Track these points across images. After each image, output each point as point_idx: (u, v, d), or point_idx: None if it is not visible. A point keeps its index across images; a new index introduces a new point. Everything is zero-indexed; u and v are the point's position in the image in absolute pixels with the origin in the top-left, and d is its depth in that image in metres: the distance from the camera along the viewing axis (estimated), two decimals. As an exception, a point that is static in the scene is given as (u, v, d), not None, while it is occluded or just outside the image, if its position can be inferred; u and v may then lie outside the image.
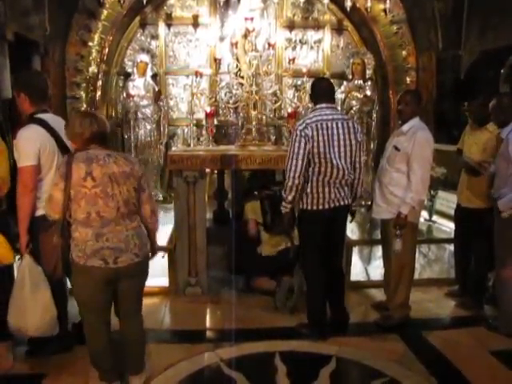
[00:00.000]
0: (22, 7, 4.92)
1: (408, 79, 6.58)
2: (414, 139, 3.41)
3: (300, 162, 3.21)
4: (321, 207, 3.34)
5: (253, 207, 4.43)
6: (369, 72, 6.49)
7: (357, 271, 4.60)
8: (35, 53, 5.63)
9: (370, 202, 3.92)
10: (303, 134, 3.21)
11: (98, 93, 6.40)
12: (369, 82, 6.49)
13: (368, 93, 6.35)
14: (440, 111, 6.33)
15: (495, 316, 3.70)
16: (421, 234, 5.25)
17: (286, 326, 3.65)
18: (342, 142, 3.30)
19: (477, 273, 4.04)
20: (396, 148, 3.51)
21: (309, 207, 3.36)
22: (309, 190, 3.33)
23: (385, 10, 6.30)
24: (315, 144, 3.22)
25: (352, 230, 4.86)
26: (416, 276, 4.47)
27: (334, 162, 3.27)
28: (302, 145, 3.20)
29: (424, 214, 5.56)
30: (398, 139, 3.55)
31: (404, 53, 6.53)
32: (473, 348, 3.40)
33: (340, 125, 3.31)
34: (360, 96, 6.34)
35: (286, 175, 3.29)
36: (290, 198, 3.31)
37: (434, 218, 5.45)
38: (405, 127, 3.52)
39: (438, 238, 4.98)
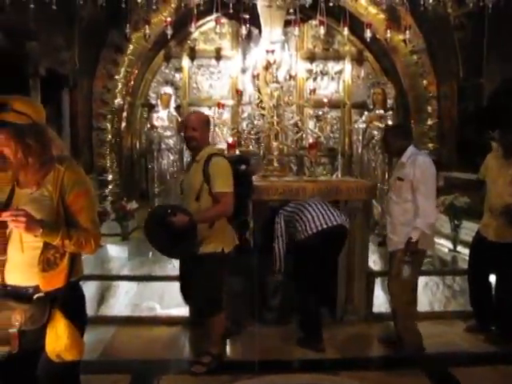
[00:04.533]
0: (56, 44, 5.17)
1: (429, 108, 6.58)
2: (414, 165, 3.44)
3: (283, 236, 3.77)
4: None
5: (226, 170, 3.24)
6: (390, 102, 6.52)
7: (379, 302, 4.51)
8: (64, 86, 5.86)
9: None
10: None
11: (123, 124, 6.59)
12: (390, 112, 6.51)
13: (389, 122, 6.36)
14: (462, 140, 6.29)
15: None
16: (445, 264, 5.16)
17: (306, 359, 3.60)
18: None
19: (506, 308, 3.91)
20: (399, 179, 3.53)
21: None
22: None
23: (404, 41, 6.37)
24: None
25: (374, 261, 4.80)
26: (440, 308, 4.40)
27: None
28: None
29: (448, 245, 5.47)
30: (400, 171, 3.57)
31: (425, 82, 6.56)
32: (502, 387, 3.28)
33: None
34: (381, 125, 6.35)
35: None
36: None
37: (459, 248, 5.34)
38: (403, 158, 3.55)
39: (463, 269, 4.85)
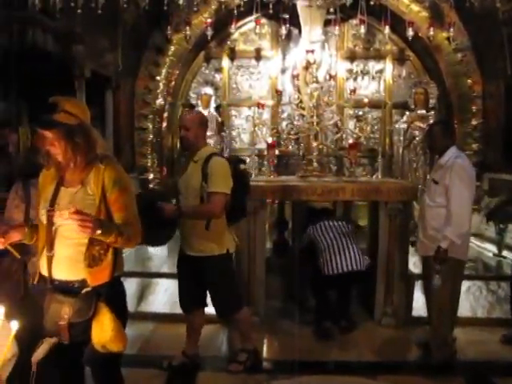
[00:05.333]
0: (100, 47, 5.34)
1: (474, 108, 6.40)
2: (451, 169, 3.28)
3: None
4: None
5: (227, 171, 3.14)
6: (432, 101, 6.37)
7: (419, 306, 4.41)
8: (108, 87, 6.04)
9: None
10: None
11: (164, 124, 6.72)
12: (432, 112, 6.36)
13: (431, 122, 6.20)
14: (509, 140, 6.07)
15: None
16: (490, 269, 5.00)
17: (343, 360, 3.57)
18: None
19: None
20: (434, 181, 3.39)
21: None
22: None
23: (448, 38, 6.21)
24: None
25: (414, 264, 4.71)
26: (484, 315, 4.25)
27: None
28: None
29: (493, 249, 5.30)
30: (437, 172, 3.44)
31: (469, 81, 6.39)
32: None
33: None
34: (423, 126, 6.20)
35: None
36: None
37: (504, 252, 5.16)
38: (442, 160, 3.40)
39: (507, 274, 4.69)
